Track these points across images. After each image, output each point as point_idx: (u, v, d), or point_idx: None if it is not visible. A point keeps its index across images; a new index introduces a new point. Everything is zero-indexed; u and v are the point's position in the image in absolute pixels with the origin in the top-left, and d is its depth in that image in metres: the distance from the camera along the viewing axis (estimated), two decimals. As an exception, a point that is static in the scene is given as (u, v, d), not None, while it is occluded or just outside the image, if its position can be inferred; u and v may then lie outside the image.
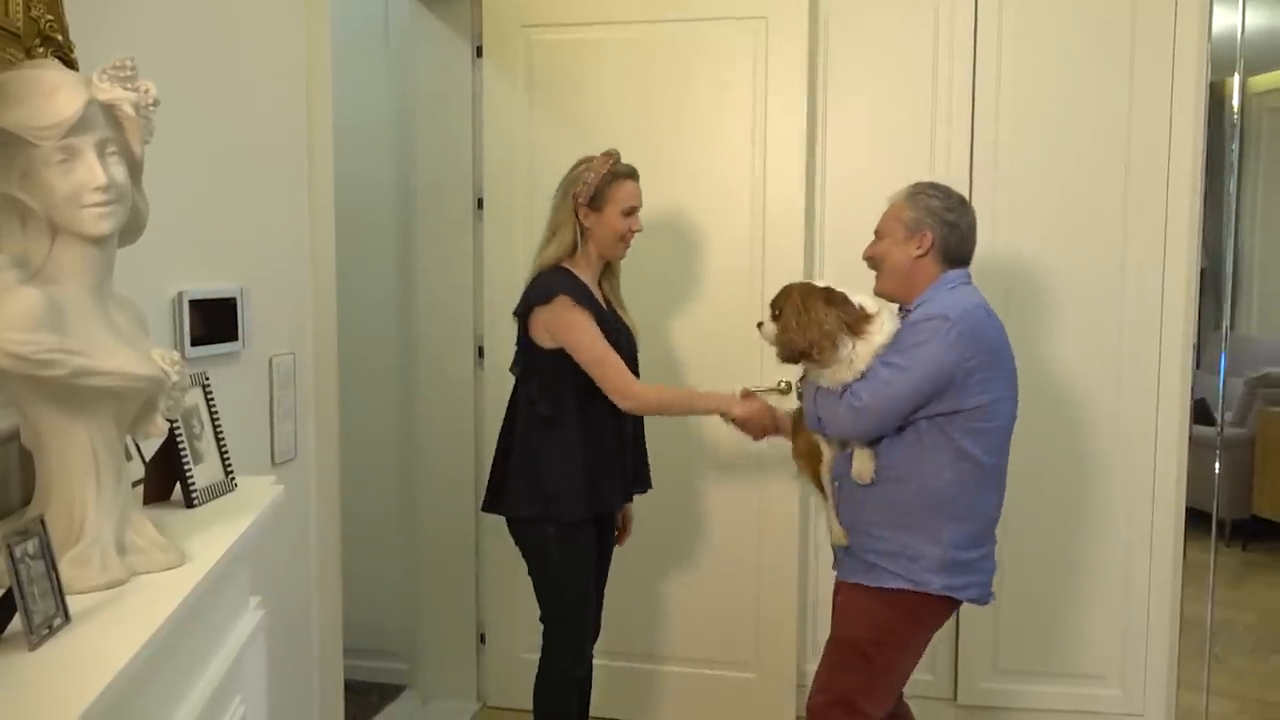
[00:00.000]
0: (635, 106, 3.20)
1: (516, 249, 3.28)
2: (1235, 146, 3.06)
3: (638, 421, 2.70)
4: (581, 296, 2.50)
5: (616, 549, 2.81)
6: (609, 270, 2.68)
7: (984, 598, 2.33)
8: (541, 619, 2.65)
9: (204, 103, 1.95)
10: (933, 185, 2.38)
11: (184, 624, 1.17)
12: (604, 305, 2.61)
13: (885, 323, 2.25)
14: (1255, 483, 3.24)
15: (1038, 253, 3.09)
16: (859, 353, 2.23)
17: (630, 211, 2.57)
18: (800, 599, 3.27)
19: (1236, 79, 3.02)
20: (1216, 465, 3.16)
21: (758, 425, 2.56)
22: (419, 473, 3.48)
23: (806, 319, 2.22)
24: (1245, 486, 3.41)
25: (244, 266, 2.13)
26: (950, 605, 2.33)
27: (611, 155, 2.58)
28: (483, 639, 3.50)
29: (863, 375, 2.22)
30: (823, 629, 3.26)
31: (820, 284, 2.32)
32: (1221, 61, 3.01)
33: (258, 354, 2.20)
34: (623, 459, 2.60)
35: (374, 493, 3.50)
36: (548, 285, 2.52)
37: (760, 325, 2.40)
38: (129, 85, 1.20)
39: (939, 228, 2.31)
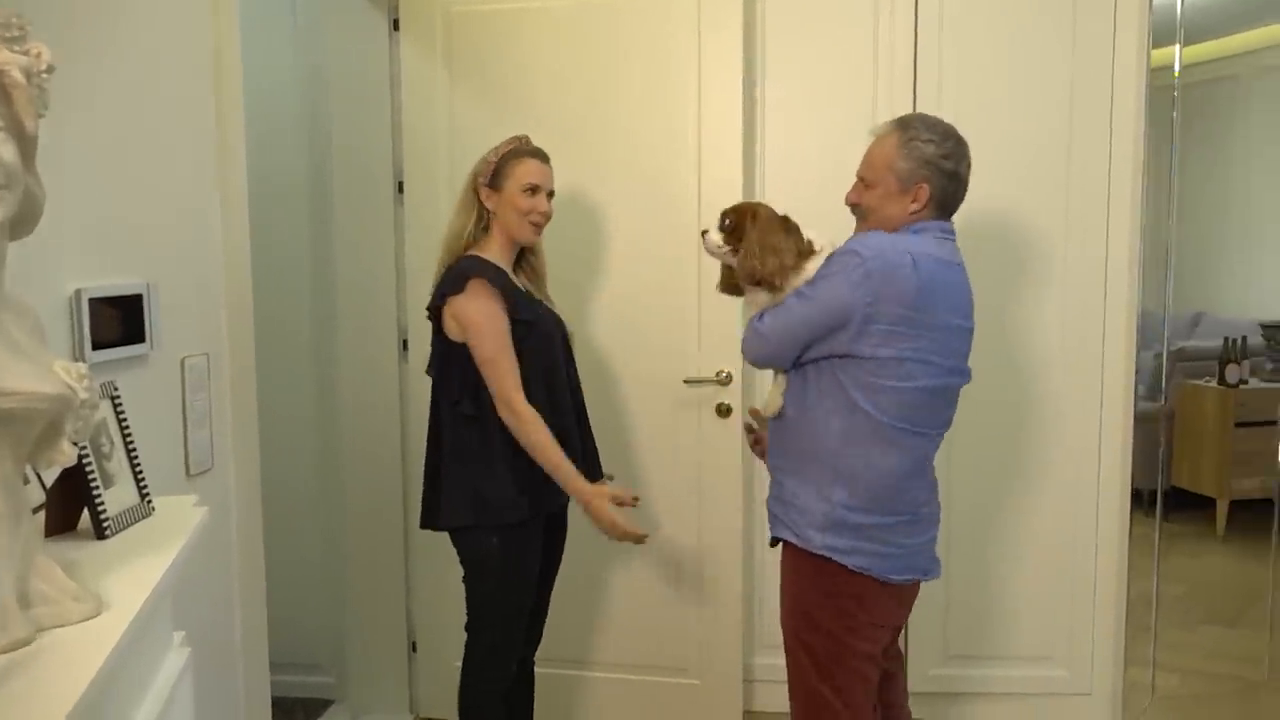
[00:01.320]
0: (563, 81, 3.03)
1: (440, 235, 3.06)
2: (1176, 116, 3.03)
3: (579, 414, 2.55)
4: (498, 281, 2.37)
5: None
6: (529, 258, 2.54)
7: (881, 573, 2.10)
8: (467, 627, 2.52)
9: (99, 78, 1.74)
10: (925, 123, 2.12)
11: (105, 684, 0.99)
12: (524, 291, 2.48)
13: (820, 258, 2.13)
14: (1175, 455, 3.25)
15: (980, 223, 3.00)
16: (790, 282, 2.13)
17: (533, 190, 2.43)
18: (745, 596, 3.15)
19: (1177, 49, 2.98)
20: (1161, 438, 3.14)
21: (604, 525, 2.36)
22: (342, 474, 3.28)
23: (769, 245, 2.12)
24: (1154, 457, 3.42)
25: (150, 260, 1.92)
26: (853, 578, 2.09)
27: (518, 138, 2.49)
28: (414, 647, 3.32)
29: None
30: (769, 627, 3.20)
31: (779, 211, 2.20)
32: (1162, 30, 2.97)
33: (168, 356, 2.00)
34: (567, 448, 2.43)
35: (294, 498, 3.29)
36: (462, 271, 2.38)
37: (705, 234, 2.23)
38: (17, 47, 1.01)
39: (936, 178, 2.09)
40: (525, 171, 2.43)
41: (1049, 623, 3.21)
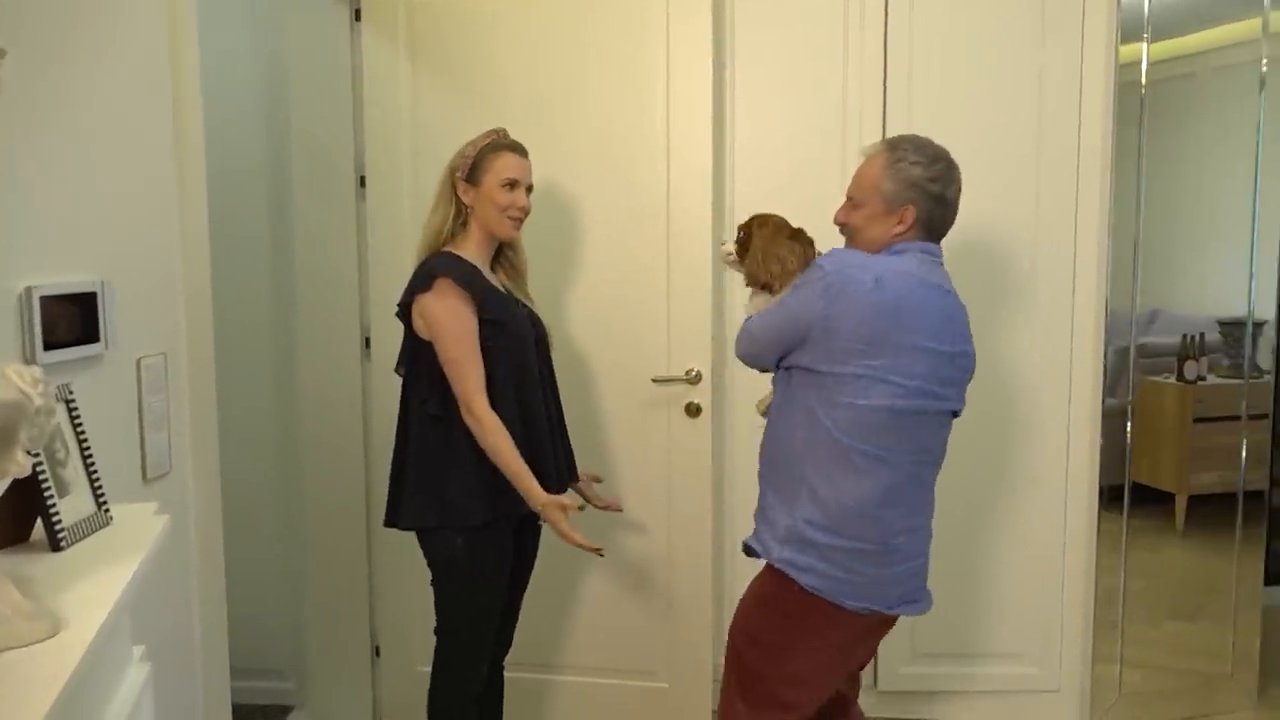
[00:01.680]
0: (529, 74, 2.97)
1: (403, 230, 3.03)
2: (1144, 113, 3.04)
3: (553, 408, 2.50)
4: (467, 279, 2.31)
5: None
6: (508, 254, 2.50)
7: (833, 596, 2.03)
8: (436, 630, 2.47)
9: (51, 67, 1.66)
10: (915, 145, 2.10)
11: (62, 711, 0.93)
12: (501, 290, 2.43)
13: None
14: (1135, 451, 3.27)
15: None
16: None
17: (511, 184, 2.38)
18: (715, 597, 3.11)
19: (1144, 46, 2.99)
20: (1128, 435, 3.15)
21: (560, 533, 2.32)
22: (303, 475, 3.20)
23: (772, 253, 2.17)
24: (1121, 454, 3.44)
25: (104, 256, 1.84)
26: (804, 598, 2.05)
27: (496, 131, 2.44)
28: (377, 651, 3.25)
29: None
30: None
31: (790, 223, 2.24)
32: (1130, 27, 2.98)
33: (123, 356, 1.92)
34: (539, 450, 2.39)
35: (253, 499, 3.21)
36: (430, 269, 2.33)
37: (723, 244, 2.34)
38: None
39: (922, 201, 2.07)
40: (504, 166, 2.38)
41: (1018, 620, 3.21)
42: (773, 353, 2.13)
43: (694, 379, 2.96)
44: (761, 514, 2.17)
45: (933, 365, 2.02)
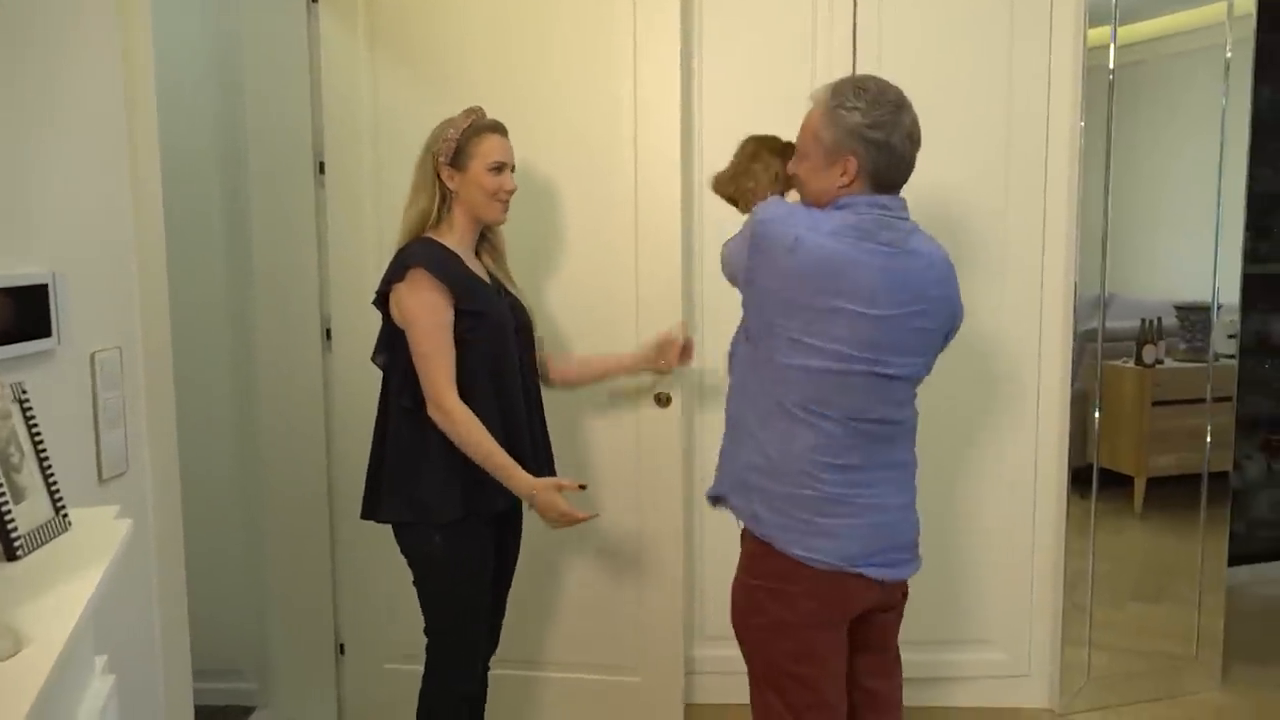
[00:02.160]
0: (494, 59, 2.90)
1: (364, 217, 2.98)
2: (1112, 97, 3.03)
3: (532, 404, 2.44)
4: (443, 269, 2.25)
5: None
6: (490, 240, 2.44)
7: (784, 544, 1.97)
8: (426, 631, 2.40)
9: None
10: (857, 87, 1.93)
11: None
12: (485, 278, 2.37)
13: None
14: (1091, 432, 3.29)
15: (919, 202, 2.97)
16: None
17: (498, 168, 2.32)
18: (686, 592, 3.09)
19: (1112, 30, 2.99)
20: (1095, 418, 3.15)
21: (554, 515, 2.29)
22: (263, 469, 3.12)
23: (743, 170, 2.16)
24: (1083, 438, 3.46)
25: (56, 247, 1.76)
26: (766, 555, 1.99)
27: (474, 111, 2.36)
28: (342, 649, 3.17)
29: None
30: (710, 618, 3.16)
31: (784, 140, 2.19)
32: (1097, 12, 2.97)
33: (77, 351, 1.83)
34: (517, 441, 2.33)
35: (211, 496, 3.12)
36: (405, 258, 2.27)
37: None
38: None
39: (865, 150, 1.91)
40: (490, 148, 2.32)
41: (988, 606, 3.22)
42: (732, 279, 2.10)
43: (664, 368, 2.91)
44: (720, 458, 2.14)
45: (857, 329, 1.89)
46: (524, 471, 2.26)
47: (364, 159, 2.96)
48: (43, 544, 1.26)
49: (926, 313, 1.98)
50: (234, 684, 3.24)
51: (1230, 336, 3.30)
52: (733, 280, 2.07)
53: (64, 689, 1.06)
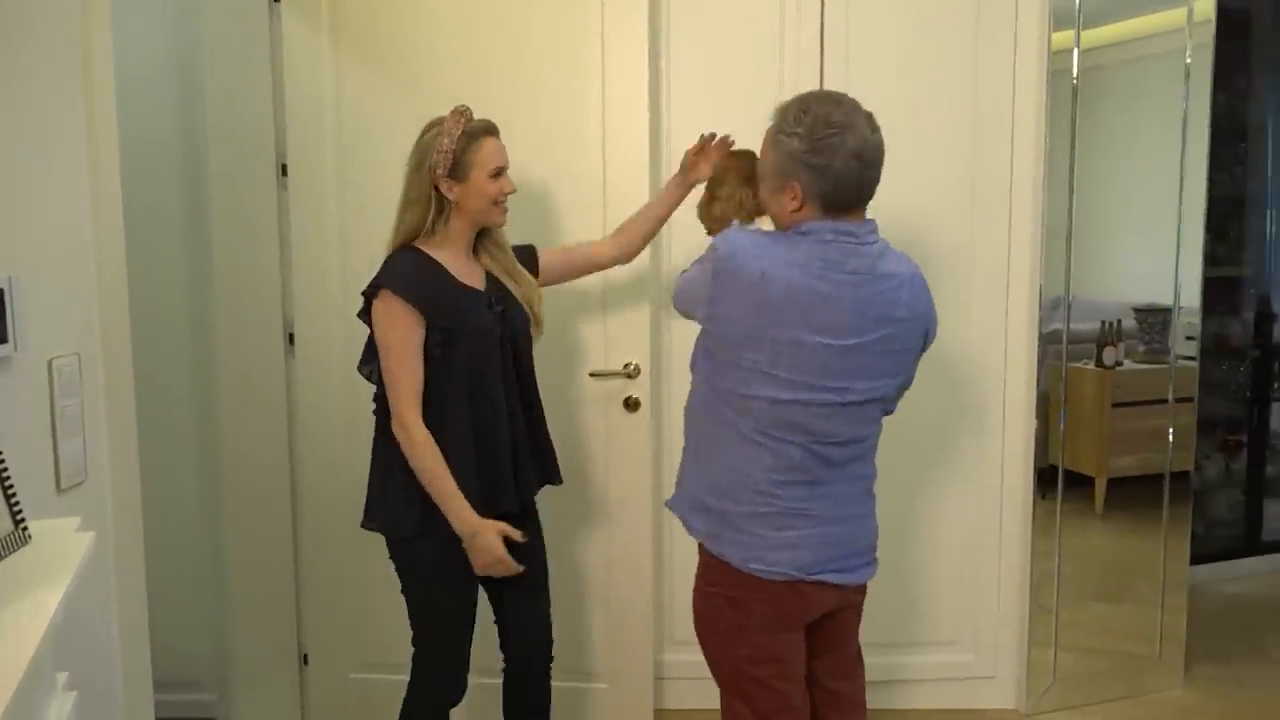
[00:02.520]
0: (459, 61, 2.87)
1: (328, 219, 2.94)
2: (1076, 100, 3.06)
3: (527, 413, 2.40)
4: (415, 287, 2.22)
5: None
6: (490, 239, 2.39)
7: (740, 562, 1.97)
8: (412, 641, 2.39)
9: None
10: (798, 110, 1.89)
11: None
12: (480, 282, 2.34)
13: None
14: (1057, 435, 3.32)
15: (886, 207, 2.97)
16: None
17: (498, 172, 2.29)
18: (655, 598, 3.07)
19: (1076, 34, 3.01)
20: (1062, 419, 3.18)
21: (481, 558, 2.26)
22: (225, 477, 3.06)
23: (711, 197, 2.18)
24: (1042, 439, 3.49)
25: (12, 251, 1.70)
26: (721, 568, 2.00)
27: (462, 113, 2.29)
28: (305, 659, 3.12)
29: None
30: (680, 622, 3.14)
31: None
32: (1061, 16, 3.00)
33: (34, 357, 1.78)
34: (498, 461, 2.30)
35: (171, 503, 3.05)
36: (379, 277, 2.26)
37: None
38: None
39: (806, 174, 1.88)
40: (489, 154, 2.27)
41: (955, 608, 3.23)
42: (686, 313, 2.10)
43: (632, 373, 2.89)
44: (680, 473, 2.13)
45: (825, 361, 1.89)
46: (469, 508, 2.22)
47: (328, 160, 2.91)
48: (1, 558, 1.22)
49: (896, 336, 1.97)
50: (194, 695, 3.16)
51: (1189, 338, 3.33)
52: (687, 313, 2.06)
53: (25, 712, 1.02)
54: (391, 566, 2.35)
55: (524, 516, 2.40)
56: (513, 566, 2.25)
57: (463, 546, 2.25)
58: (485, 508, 2.27)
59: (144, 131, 2.89)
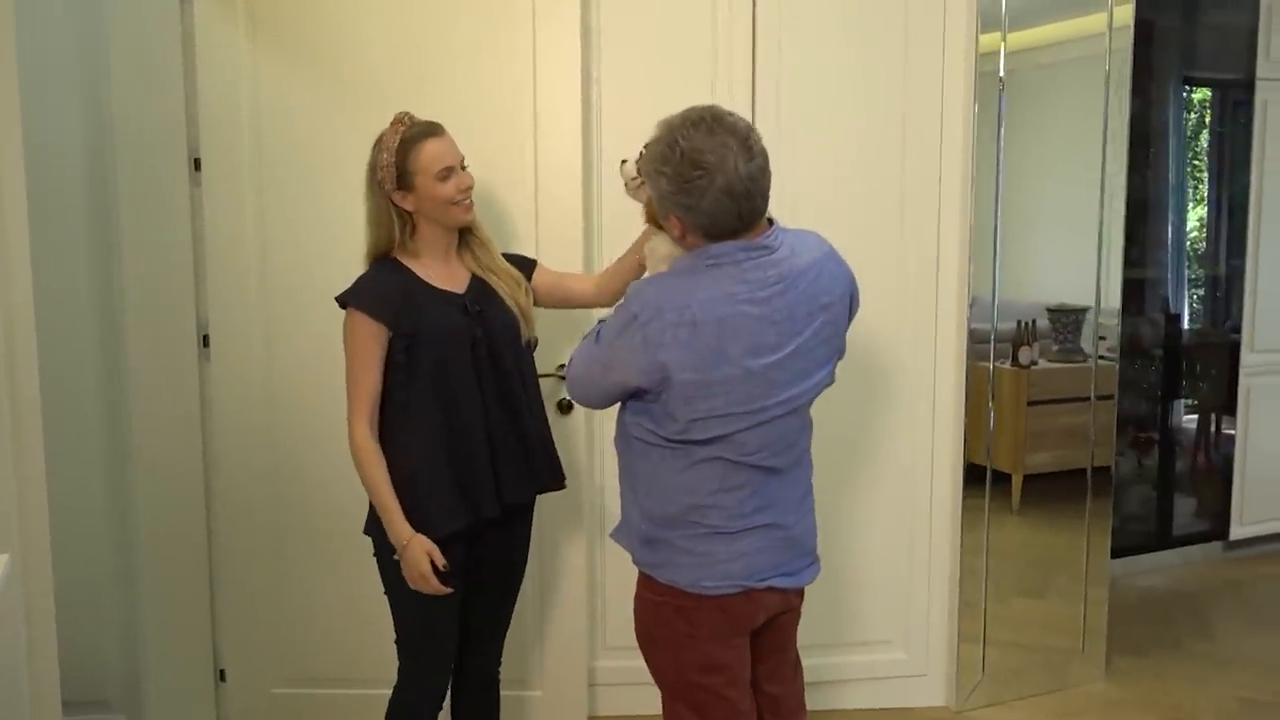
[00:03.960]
0: (383, 47, 2.78)
1: (245, 215, 2.83)
2: (1002, 103, 3.09)
3: (515, 414, 2.32)
4: (378, 300, 2.19)
5: None
6: (471, 237, 2.34)
7: (691, 583, 1.95)
8: (396, 645, 2.35)
9: None
10: (667, 149, 1.83)
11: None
12: (460, 286, 2.29)
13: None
14: (973, 432, 3.38)
15: (816, 205, 2.96)
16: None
17: (446, 173, 2.21)
18: (589, 603, 3.03)
19: (1002, 36, 3.04)
20: (991, 417, 3.21)
21: (408, 571, 2.21)
22: (135, 487, 2.92)
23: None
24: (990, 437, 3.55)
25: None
26: (670, 589, 1.98)
27: (400, 121, 2.24)
28: (222, 675, 3.00)
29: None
30: (613, 627, 3.08)
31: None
32: (988, 18, 3.03)
33: (-70, 364, 1.66)
34: (476, 466, 2.25)
35: (78, 515, 2.90)
36: (344, 293, 2.23)
37: (624, 163, 2.19)
38: None
39: (681, 212, 1.85)
40: (430, 157, 2.20)
41: (887, 606, 3.24)
42: (603, 402, 2.01)
43: (565, 375, 2.83)
44: (622, 505, 2.08)
45: (768, 378, 1.88)
46: (403, 519, 2.19)
47: (244, 153, 2.81)
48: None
49: (829, 320, 1.96)
50: (101, 716, 3.01)
51: (1102, 338, 3.40)
52: (608, 394, 1.97)
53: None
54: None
55: (511, 523, 2.37)
56: (436, 588, 2.20)
57: (447, 552, 2.21)
58: (464, 512, 2.24)
59: (46, 126, 2.74)
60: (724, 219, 1.83)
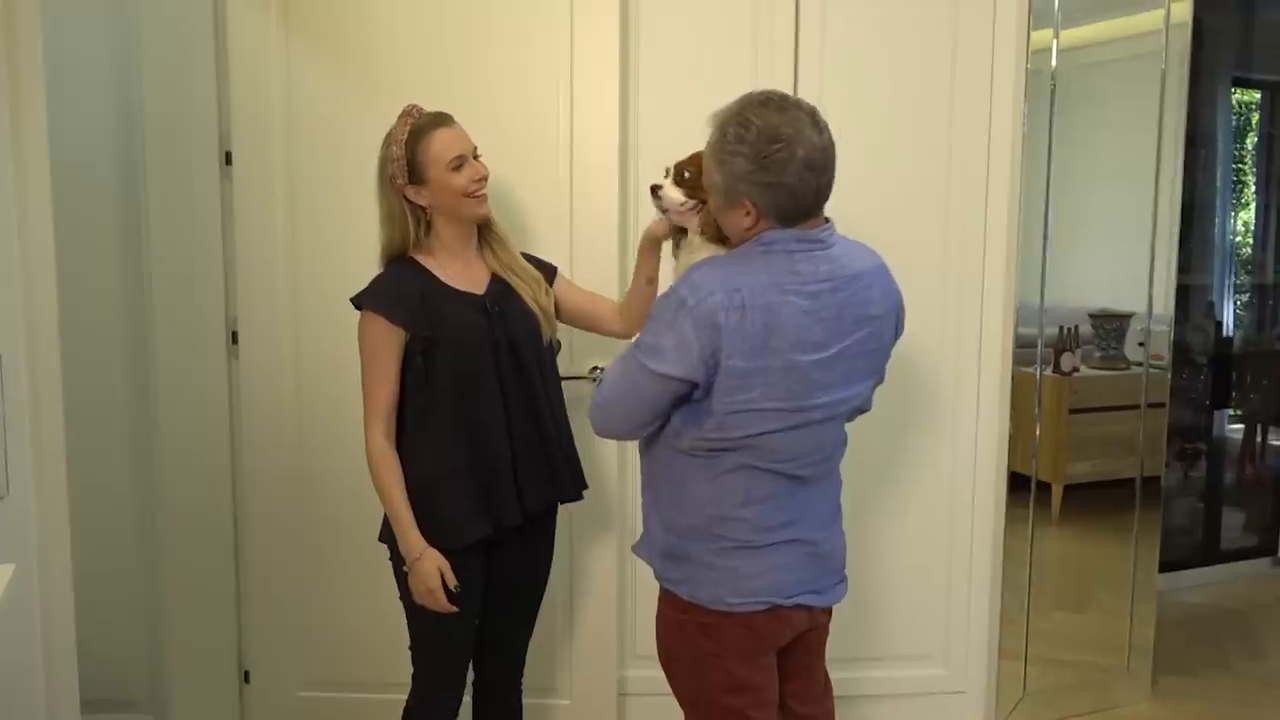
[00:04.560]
0: (417, 43, 2.72)
1: (275, 210, 2.79)
2: (1053, 101, 2.99)
3: (536, 421, 2.25)
4: (394, 302, 2.12)
5: None
6: (490, 234, 2.27)
7: (713, 600, 1.87)
8: (410, 653, 2.30)
9: None
10: (740, 127, 1.76)
11: None
12: (480, 286, 2.22)
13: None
14: (1017, 440, 3.29)
15: (860, 207, 2.87)
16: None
17: (458, 163, 2.14)
18: (618, 611, 2.95)
19: (1055, 33, 2.94)
20: (1036, 426, 3.12)
21: (417, 585, 2.16)
22: (162, 485, 2.89)
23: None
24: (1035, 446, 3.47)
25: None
26: (694, 607, 1.90)
27: (409, 114, 2.17)
28: (247, 677, 2.97)
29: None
30: (643, 636, 2.99)
31: None
32: (1040, 14, 2.92)
33: (-53, 360, 1.62)
34: (497, 472, 2.18)
35: (104, 512, 2.87)
36: (360, 295, 2.17)
37: (656, 189, 2.02)
38: None
39: (757, 194, 1.76)
40: (441, 147, 2.13)
41: (925, 619, 3.15)
42: (639, 421, 1.88)
43: (598, 379, 2.76)
44: (644, 518, 2.02)
45: (810, 377, 1.81)
46: (416, 531, 2.14)
47: (275, 147, 2.77)
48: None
49: (873, 334, 1.90)
50: (128, 715, 2.99)
51: (1140, 344, 3.30)
52: (655, 406, 1.84)
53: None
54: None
55: (532, 531, 2.30)
56: (444, 606, 2.14)
57: (466, 562, 2.17)
58: (485, 522, 2.18)
59: (74, 121, 2.72)
60: (804, 195, 1.77)
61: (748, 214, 1.79)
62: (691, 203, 1.98)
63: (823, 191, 1.81)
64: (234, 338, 2.84)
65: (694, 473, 1.86)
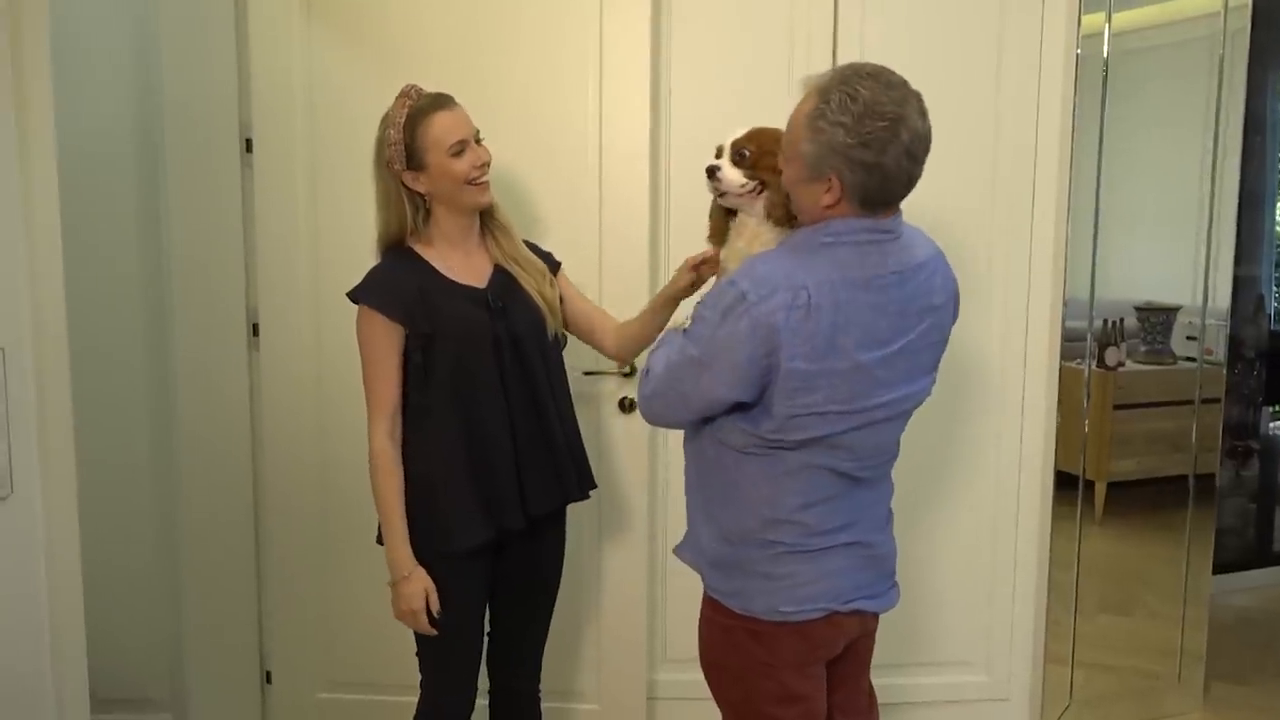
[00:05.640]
0: (443, 31, 2.64)
1: (297, 199, 2.72)
2: (1105, 89, 2.86)
3: (541, 420, 2.16)
4: (390, 296, 2.03)
5: None
6: (493, 223, 2.17)
7: (767, 610, 1.78)
8: (417, 658, 2.22)
9: None
10: (844, 96, 1.61)
11: None
12: (481, 279, 2.12)
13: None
14: (1062, 437, 3.18)
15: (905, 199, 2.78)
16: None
17: (459, 148, 2.03)
18: (649, 614, 2.87)
19: (1107, 17, 2.81)
20: (1085, 423, 3.00)
21: (398, 604, 2.09)
22: (181, 480, 2.83)
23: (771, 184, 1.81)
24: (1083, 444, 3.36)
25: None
26: (743, 618, 1.81)
27: (407, 95, 2.06)
28: (268, 677, 2.91)
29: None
30: (674, 640, 2.93)
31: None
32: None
33: (-50, 355, 1.56)
34: (498, 471, 2.09)
35: (122, 508, 2.83)
36: (356, 288, 2.07)
37: (714, 170, 1.83)
38: None
39: (848, 172, 1.62)
40: (442, 131, 2.03)
41: (967, 623, 3.04)
42: (690, 418, 1.80)
43: (628, 373, 2.69)
44: (689, 521, 1.92)
45: (875, 376, 1.71)
46: (407, 548, 2.07)
47: (297, 133, 2.70)
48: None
49: (935, 324, 1.80)
50: (148, 715, 2.94)
51: (1190, 338, 3.18)
52: (705, 407, 1.75)
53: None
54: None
55: (539, 534, 2.21)
56: (425, 628, 2.07)
57: (469, 566, 2.10)
58: (486, 527, 2.09)
59: (91, 107, 2.69)
60: (896, 181, 1.66)
61: (829, 190, 1.66)
62: (752, 184, 1.83)
63: (913, 182, 1.70)
64: (255, 330, 2.78)
65: (749, 472, 1.76)
